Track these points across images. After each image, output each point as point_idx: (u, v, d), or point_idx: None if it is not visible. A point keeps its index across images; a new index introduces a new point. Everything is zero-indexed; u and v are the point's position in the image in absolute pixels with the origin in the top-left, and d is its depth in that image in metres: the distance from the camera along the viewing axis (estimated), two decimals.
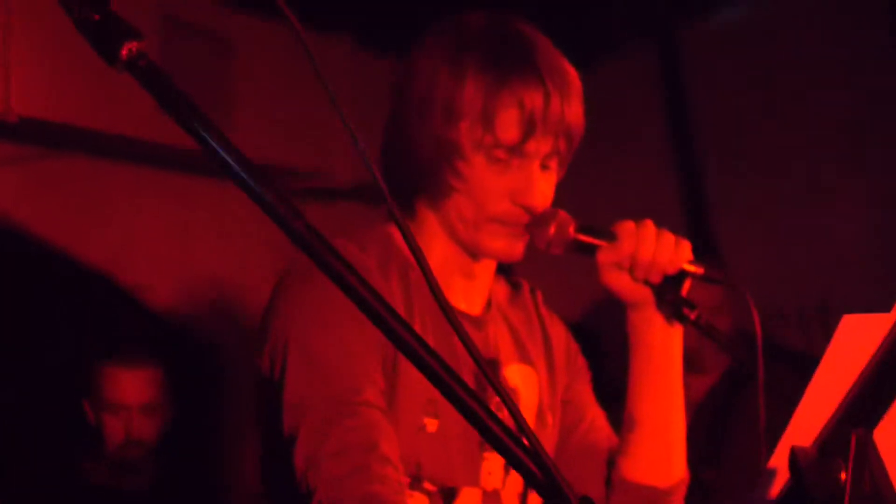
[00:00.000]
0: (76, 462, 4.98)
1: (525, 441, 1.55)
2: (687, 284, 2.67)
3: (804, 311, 5.38)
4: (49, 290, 5.13)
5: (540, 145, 2.60)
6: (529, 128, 2.56)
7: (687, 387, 4.49)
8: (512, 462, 1.57)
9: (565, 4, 5.16)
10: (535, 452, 1.55)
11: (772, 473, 1.80)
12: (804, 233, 5.52)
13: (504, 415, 1.64)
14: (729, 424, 4.76)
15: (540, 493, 1.56)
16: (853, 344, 1.71)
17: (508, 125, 2.57)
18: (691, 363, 4.61)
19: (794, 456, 1.69)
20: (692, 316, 2.65)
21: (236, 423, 5.36)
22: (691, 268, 2.65)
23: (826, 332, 1.79)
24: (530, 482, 1.56)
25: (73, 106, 4.52)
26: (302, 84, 4.93)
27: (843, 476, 1.67)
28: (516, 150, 2.59)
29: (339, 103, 1.62)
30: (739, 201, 5.81)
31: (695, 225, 5.80)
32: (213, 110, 4.15)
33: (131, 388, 4.93)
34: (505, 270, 2.94)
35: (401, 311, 2.62)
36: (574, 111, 2.61)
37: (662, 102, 6.22)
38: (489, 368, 1.56)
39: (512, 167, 2.61)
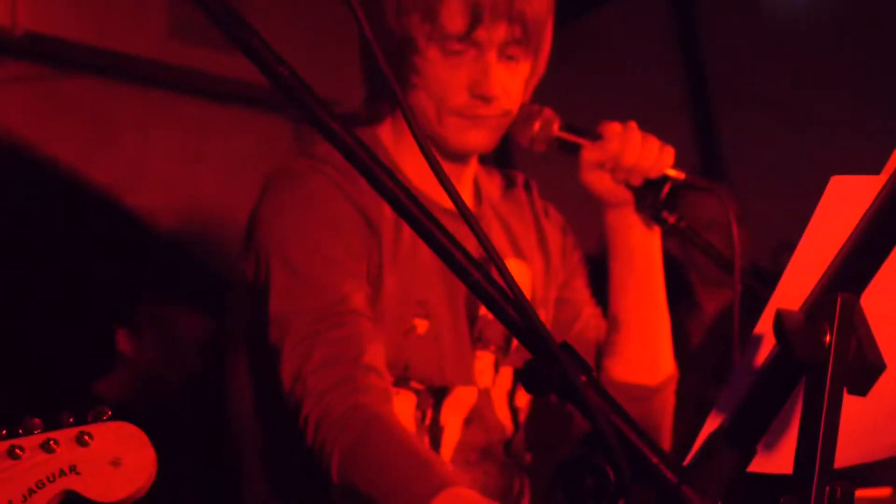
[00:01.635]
0: (88, 380, 5.02)
1: (510, 294, 1.55)
2: (667, 189, 2.67)
3: None
4: (60, 211, 5.12)
5: (491, 33, 2.59)
6: (474, 16, 2.56)
7: (699, 307, 4.50)
8: (495, 311, 1.57)
9: None
10: (520, 304, 1.56)
11: (758, 339, 1.80)
12: (812, 169, 5.50)
13: None
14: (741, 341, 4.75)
15: (521, 341, 1.57)
16: (841, 207, 1.70)
17: (453, 15, 2.57)
18: (700, 273, 4.63)
19: (780, 319, 1.68)
20: (671, 219, 2.66)
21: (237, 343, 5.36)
22: (673, 172, 2.66)
23: None
24: (512, 330, 1.57)
25: (82, 22, 4.50)
26: (310, 14, 4.92)
27: (828, 339, 1.67)
28: (466, 39, 2.58)
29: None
30: (751, 136, 5.81)
31: (707, 160, 5.80)
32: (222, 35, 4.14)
33: (171, 325, 5.06)
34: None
35: (388, 213, 2.64)
36: None
37: (675, 42, 6.21)
38: (499, 258, 1.55)
39: (467, 58, 2.60)
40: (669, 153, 2.65)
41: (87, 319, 5.05)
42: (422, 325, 2.68)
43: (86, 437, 1.72)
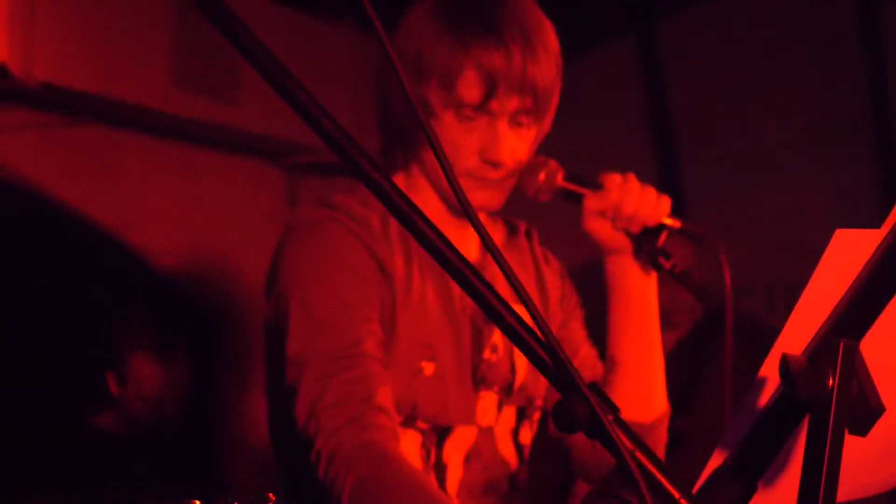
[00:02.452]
0: (87, 415, 4.99)
1: (540, 335, 1.54)
2: (663, 237, 2.68)
3: (771, 288, 5.40)
4: (64, 250, 5.11)
5: (504, 104, 2.58)
6: (490, 89, 2.55)
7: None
8: (528, 354, 1.56)
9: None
10: (551, 347, 1.55)
11: (762, 382, 1.80)
12: (773, 215, 5.53)
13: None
14: (698, 376, 4.77)
15: (552, 382, 1.56)
16: (844, 258, 1.71)
17: (469, 86, 2.56)
18: (664, 318, 4.64)
19: (785, 363, 1.68)
20: (667, 265, 2.66)
21: (237, 381, 5.34)
22: (669, 221, 2.67)
23: (790, 309, 1.79)
24: (543, 372, 1.56)
25: (91, 73, 4.50)
26: (305, 65, 4.91)
27: (830, 382, 1.67)
28: (480, 109, 2.58)
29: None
30: (713, 183, 5.83)
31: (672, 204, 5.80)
32: (221, 85, 4.16)
33: (154, 374, 4.98)
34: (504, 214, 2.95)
35: (400, 260, 2.63)
36: (541, 68, 2.58)
37: (641, 92, 6.23)
38: (531, 302, 1.54)
39: (480, 125, 2.60)
40: (666, 202, 2.66)
41: (86, 357, 5.02)
42: (428, 368, 2.67)
43: None
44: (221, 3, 1.49)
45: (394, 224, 2.67)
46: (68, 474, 4.71)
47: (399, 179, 2.77)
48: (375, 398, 2.52)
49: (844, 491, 1.82)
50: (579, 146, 4.71)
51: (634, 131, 6.12)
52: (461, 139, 2.62)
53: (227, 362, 5.43)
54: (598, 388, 1.54)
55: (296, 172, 5.47)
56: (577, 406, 1.52)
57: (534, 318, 1.51)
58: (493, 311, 1.54)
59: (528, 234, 2.97)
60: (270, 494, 1.66)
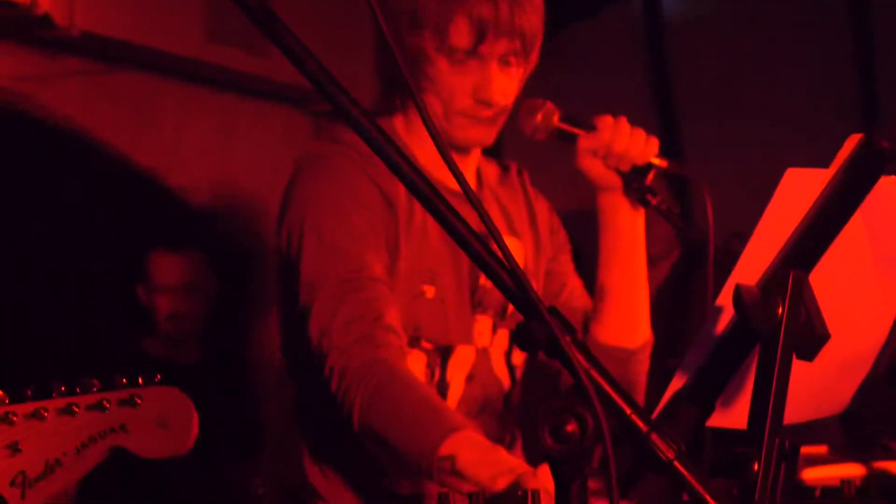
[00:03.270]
0: (136, 340, 5.02)
1: (507, 264, 1.55)
2: (651, 175, 2.69)
3: None
4: (107, 189, 5.13)
5: (493, 47, 2.63)
6: (479, 34, 2.60)
7: None
8: (493, 279, 1.57)
9: None
10: (514, 273, 1.55)
11: (719, 310, 1.80)
12: (766, 167, 5.50)
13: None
14: (686, 313, 4.76)
15: (515, 306, 1.57)
16: (795, 195, 1.71)
17: (460, 33, 2.60)
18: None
19: (739, 293, 1.68)
20: (654, 201, 2.68)
21: (263, 312, 5.36)
22: (657, 161, 2.69)
23: None
24: (507, 296, 1.57)
25: (130, 23, 4.50)
26: (328, 13, 4.92)
27: (780, 311, 1.67)
28: (471, 53, 2.60)
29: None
30: (711, 138, 5.82)
31: (670, 153, 5.79)
32: (253, 37, 4.14)
33: (173, 270, 5.03)
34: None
35: (404, 196, 2.65)
36: (527, 15, 2.62)
37: (645, 53, 6.21)
38: (497, 232, 1.55)
39: (471, 67, 2.64)
40: (654, 143, 2.68)
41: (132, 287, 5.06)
42: (429, 291, 2.71)
43: (136, 399, 1.69)
44: None
45: None
46: None
47: (399, 118, 2.79)
48: (384, 318, 2.55)
49: (798, 413, 1.83)
50: (584, 103, 4.68)
51: (637, 91, 6.09)
52: (455, 81, 2.65)
53: (254, 295, 5.45)
54: (556, 311, 1.55)
55: (322, 118, 5.46)
56: (537, 328, 1.53)
57: (499, 246, 1.52)
58: (462, 240, 1.55)
59: (520, 173, 2.99)
60: (157, 374, 1.72)
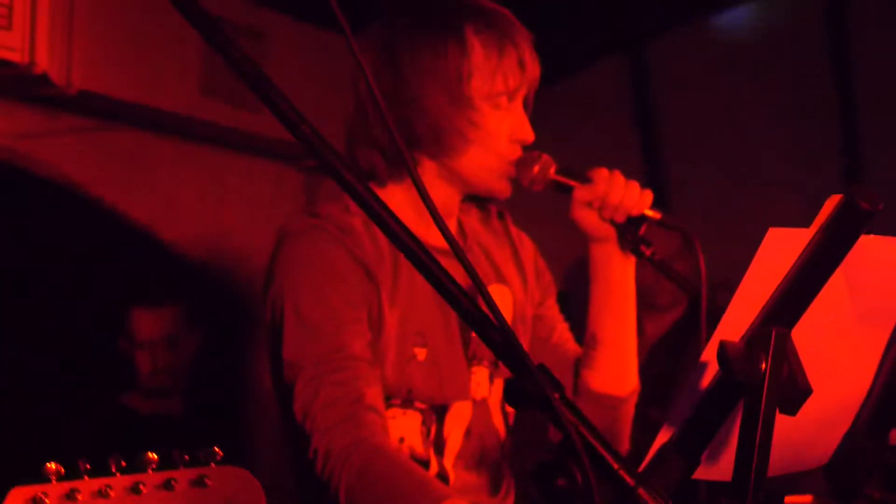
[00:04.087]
0: (115, 394, 5.01)
1: (495, 321, 1.57)
2: (644, 227, 2.72)
3: None
4: (101, 244, 5.14)
5: (522, 89, 2.70)
6: (523, 73, 2.67)
7: (642, 332, 4.54)
8: (482, 335, 1.59)
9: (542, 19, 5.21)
10: (503, 330, 1.57)
11: (704, 366, 1.82)
12: (751, 216, 5.54)
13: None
14: (678, 367, 4.76)
15: (504, 362, 1.59)
16: (777, 254, 1.73)
17: (512, 73, 2.67)
18: (647, 300, 4.67)
19: (723, 348, 1.70)
20: (648, 252, 2.71)
21: (256, 364, 5.37)
22: (650, 213, 2.72)
23: None
24: (495, 352, 1.59)
25: (126, 81, 4.52)
26: (324, 76, 4.94)
27: (763, 367, 1.69)
28: (514, 93, 2.66)
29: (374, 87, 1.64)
30: (696, 187, 5.85)
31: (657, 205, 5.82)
32: (246, 95, 4.15)
33: (154, 324, 5.00)
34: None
35: (388, 263, 2.67)
36: (536, 61, 2.73)
37: (631, 106, 6.25)
38: (487, 291, 1.57)
39: (509, 110, 2.68)
40: (648, 195, 2.72)
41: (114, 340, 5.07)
42: (421, 353, 2.72)
43: (205, 479, 1.65)
44: (199, 8, 1.52)
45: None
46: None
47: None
48: (365, 398, 2.57)
49: (782, 466, 1.85)
50: (574, 154, 4.72)
51: (624, 141, 6.13)
52: (498, 126, 2.70)
53: (246, 348, 5.46)
54: (545, 369, 1.57)
55: (313, 174, 5.49)
56: (527, 385, 1.55)
57: (487, 303, 1.54)
58: (450, 296, 1.57)
59: (501, 216, 3.02)
60: (216, 448, 1.68)
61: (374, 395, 2.59)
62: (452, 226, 2.85)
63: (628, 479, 1.57)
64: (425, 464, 2.70)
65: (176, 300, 5.06)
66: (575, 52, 5.93)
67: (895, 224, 1.89)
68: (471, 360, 2.78)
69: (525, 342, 2.91)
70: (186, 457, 1.66)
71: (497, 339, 1.57)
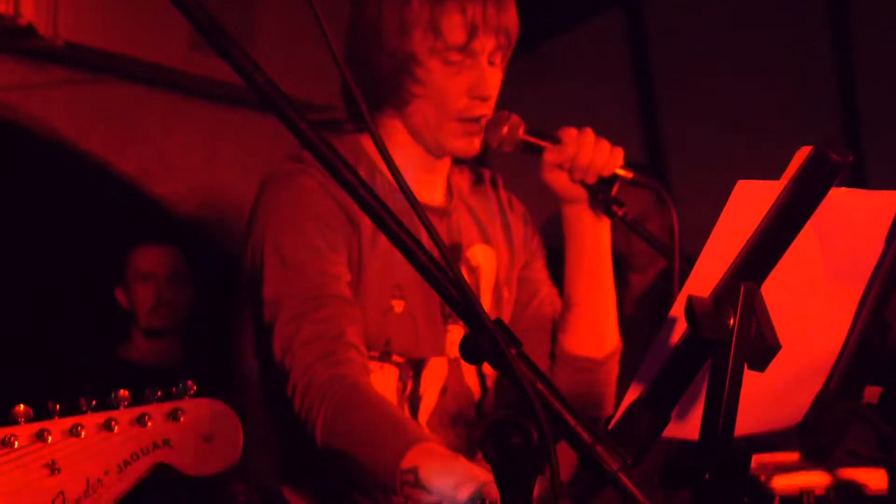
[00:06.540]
0: (113, 348, 4.99)
1: (451, 275, 1.53)
2: (616, 186, 2.68)
3: None
4: (90, 197, 5.11)
5: (484, 43, 2.64)
6: (472, 30, 2.62)
7: (628, 284, 4.50)
8: (439, 291, 1.55)
9: None
10: (459, 284, 1.53)
11: (673, 321, 1.78)
12: (748, 172, 5.49)
13: None
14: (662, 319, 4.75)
15: (460, 316, 1.55)
16: (746, 207, 1.69)
17: (454, 29, 2.62)
18: (628, 262, 4.64)
19: (691, 304, 1.66)
20: (619, 212, 2.67)
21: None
22: (622, 172, 2.68)
23: None
24: (453, 307, 1.55)
25: (114, 34, 4.48)
26: (315, 31, 4.87)
27: (731, 322, 1.65)
28: (464, 49, 2.59)
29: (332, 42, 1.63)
30: (692, 144, 5.81)
31: (653, 163, 5.79)
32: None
33: (158, 258, 5.02)
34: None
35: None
36: (507, 11, 2.67)
37: (628, 62, 6.21)
38: (448, 251, 1.54)
39: (464, 66, 2.64)
40: (619, 154, 2.67)
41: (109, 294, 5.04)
42: (398, 305, 2.70)
43: (179, 413, 1.62)
44: None
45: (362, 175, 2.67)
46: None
47: (367, 136, 2.76)
48: (346, 335, 2.54)
49: (751, 425, 1.81)
50: (568, 111, 4.68)
51: (620, 98, 6.09)
52: (449, 82, 2.65)
53: (236, 300, 5.42)
54: (502, 324, 1.53)
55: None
56: (483, 339, 1.51)
57: (443, 257, 1.50)
58: (408, 251, 1.53)
59: (493, 181, 2.99)
60: (190, 381, 1.65)
61: (355, 333, 2.58)
62: (441, 186, 2.83)
63: (586, 437, 1.53)
64: None
65: (177, 244, 5.05)
66: (570, 8, 5.87)
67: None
68: (447, 317, 2.76)
69: (510, 305, 2.88)
70: (159, 392, 1.63)
71: (455, 294, 1.52)
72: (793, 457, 2.54)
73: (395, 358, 2.69)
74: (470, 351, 1.52)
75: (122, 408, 1.62)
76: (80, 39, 4.36)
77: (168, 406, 1.63)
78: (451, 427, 2.78)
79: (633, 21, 6.15)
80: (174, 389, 1.65)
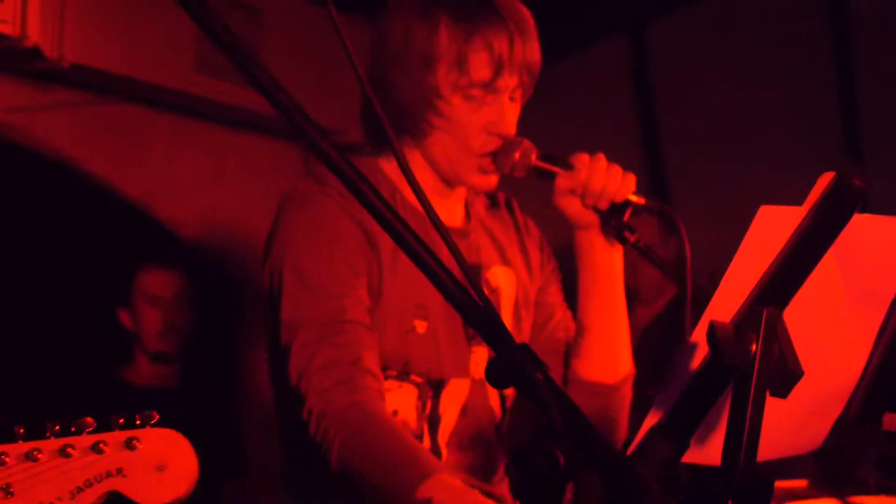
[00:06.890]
0: (115, 369, 4.97)
1: (479, 301, 1.53)
2: (629, 212, 2.67)
3: None
4: (95, 219, 5.10)
5: (508, 81, 2.62)
6: (498, 67, 2.59)
7: (634, 315, 4.51)
8: (464, 315, 1.55)
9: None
10: (487, 310, 1.53)
11: (693, 347, 1.78)
12: (750, 202, 5.49)
13: None
14: (673, 346, 4.74)
15: (487, 342, 1.55)
16: (768, 232, 1.69)
17: (480, 66, 2.60)
18: (634, 295, 4.64)
19: (713, 330, 1.66)
20: (632, 238, 2.67)
21: (251, 338, 5.33)
22: (634, 198, 2.67)
23: None
24: (479, 332, 1.55)
25: (119, 55, 4.48)
26: (322, 53, 4.89)
27: (753, 348, 1.65)
28: (489, 87, 2.59)
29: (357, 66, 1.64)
30: (693, 174, 5.80)
31: (655, 189, 5.78)
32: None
33: (165, 281, 4.99)
34: None
35: (387, 235, 2.62)
36: (533, 50, 2.65)
37: (631, 89, 6.21)
38: (472, 271, 1.54)
39: (485, 102, 2.63)
40: (631, 180, 2.66)
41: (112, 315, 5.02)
42: (421, 326, 2.68)
43: (134, 442, 1.63)
44: None
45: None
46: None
47: (387, 157, 2.76)
48: (363, 361, 2.53)
49: (772, 450, 1.81)
50: (572, 136, 4.68)
51: (623, 124, 6.09)
52: (469, 118, 2.64)
53: (240, 323, 5.42)
54: (527, 348, 1.52)
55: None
56: (508, 364, 1.50)
57: (471, 282, 1.49)
58: (432, 273, 1.52)
59: (508, 204, 2.98)
60: (154, 412, 1.66)
61: (372, 359, 2.55)
62: (459, 210, 2.83)
63: (612, 462, 1.52)
64: (418, 439, 2.67)
65: (182, 267, 5.04)
66: (574, 34, 5.88)
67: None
68: (471, 338, 2.75)
69: (527, 327, 2.87)
70: (122, 420, 1.65)
71: (480, 317, 1.52)
72: (801, 484, 2.53)
73: (414, 378, 2.68)
74: (495, 375, 1.51)
75: (84, 434, 1.64)
76: (86, 61, 4.34)
77: (125, 435, 1.64)
78: (471, 447, 2.76)
79: (636, 47, 6.15)
80: (137, 417, 1.66)
